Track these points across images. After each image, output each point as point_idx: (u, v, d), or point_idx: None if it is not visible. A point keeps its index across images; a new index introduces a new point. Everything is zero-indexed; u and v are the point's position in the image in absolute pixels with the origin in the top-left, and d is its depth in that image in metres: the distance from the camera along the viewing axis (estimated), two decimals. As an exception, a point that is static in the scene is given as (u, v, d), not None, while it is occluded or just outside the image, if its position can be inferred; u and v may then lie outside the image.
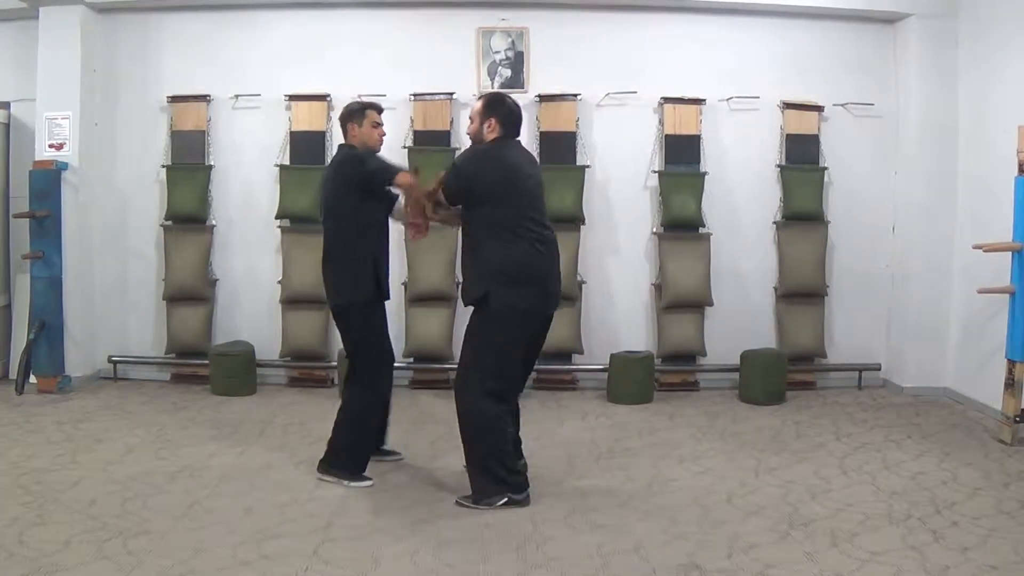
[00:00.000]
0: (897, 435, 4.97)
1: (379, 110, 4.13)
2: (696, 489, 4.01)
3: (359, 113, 4.06)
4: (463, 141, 5.97)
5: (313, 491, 3.95)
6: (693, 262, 5.99)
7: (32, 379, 5.79)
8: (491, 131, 3.80)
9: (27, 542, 3.29)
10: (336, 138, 5.89)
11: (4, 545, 3.25)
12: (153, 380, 6.19)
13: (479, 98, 4.02)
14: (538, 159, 5.92)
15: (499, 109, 3.82)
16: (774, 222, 6.16)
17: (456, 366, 3.96)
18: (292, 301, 5.96)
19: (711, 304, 6.02)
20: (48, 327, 5.78)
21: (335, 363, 5.83)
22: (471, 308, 3.79)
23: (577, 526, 3.56)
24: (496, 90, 3.97)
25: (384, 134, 4.13)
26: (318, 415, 5.19)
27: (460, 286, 4.05)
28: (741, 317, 6.17)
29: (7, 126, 6.25)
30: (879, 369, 6.26)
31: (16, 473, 4.10)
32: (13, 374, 5.92)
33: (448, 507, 3.76)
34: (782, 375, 5.81)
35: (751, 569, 3.13)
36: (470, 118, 3.92)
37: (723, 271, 6.10)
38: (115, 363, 6.17)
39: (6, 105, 6.27)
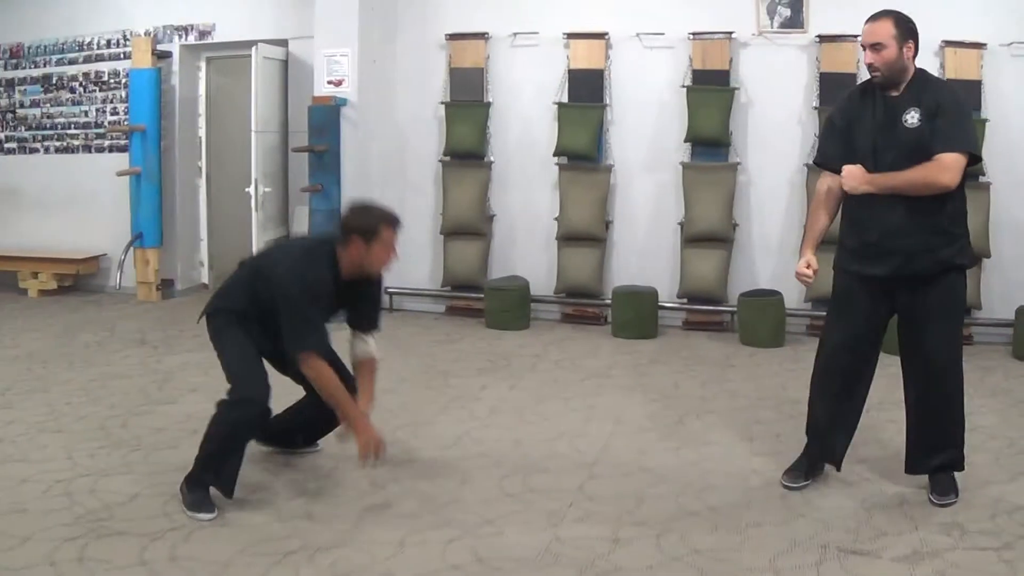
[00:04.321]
0: None
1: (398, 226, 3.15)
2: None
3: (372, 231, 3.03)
4: (742, 82, 5.95)
5: (582, 427, 3.90)
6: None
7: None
8: (909, 54, 2.97)
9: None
10: (614, 76, 5.95)
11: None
12: (428, 312, 6.37)
13: (874, 18, 2.99)
14: (818, 101, 5.85)
15: (914, 29, 2.99)
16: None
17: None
18: (568, 238, 6.01)
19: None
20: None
21: (609, 300, 5.91)
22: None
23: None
24: (886, 8, 3.04)
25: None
26: (590, 352, 5.28)
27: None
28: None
29: (285, 63, 6.44)
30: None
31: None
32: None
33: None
34: None
35: None
36: (874, 46, 2.93)
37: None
38: (391, 295, 6.34)
39: (284, 43, 6.46)
